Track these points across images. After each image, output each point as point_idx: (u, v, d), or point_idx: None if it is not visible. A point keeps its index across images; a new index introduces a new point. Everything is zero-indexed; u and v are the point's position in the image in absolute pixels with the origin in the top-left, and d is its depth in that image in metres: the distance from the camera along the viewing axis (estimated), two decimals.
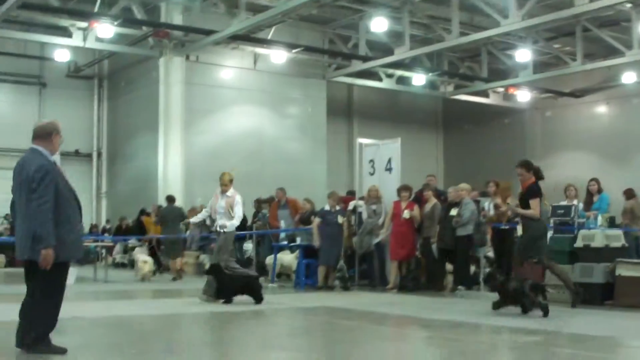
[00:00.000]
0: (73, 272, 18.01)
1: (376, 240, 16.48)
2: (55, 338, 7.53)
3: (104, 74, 34.95)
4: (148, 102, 30.12)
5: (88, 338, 9.06)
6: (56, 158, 7.85)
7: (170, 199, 22.65)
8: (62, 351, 7.50)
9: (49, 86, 33.57)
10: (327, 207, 16.85)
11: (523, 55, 29.19)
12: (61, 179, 7.64)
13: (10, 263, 26.59)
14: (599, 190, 16.47)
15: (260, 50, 30.02)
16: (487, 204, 15.73)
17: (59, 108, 32.90)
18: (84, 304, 12.82)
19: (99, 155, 34.86)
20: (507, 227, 15.14)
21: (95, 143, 34.77)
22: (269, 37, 28.96)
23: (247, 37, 28.10)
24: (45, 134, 7.72)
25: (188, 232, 24.34)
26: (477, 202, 15.84)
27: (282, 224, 19.47)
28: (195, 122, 29.61)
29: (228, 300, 12.37)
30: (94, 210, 33.94)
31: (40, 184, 7.27)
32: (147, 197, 28.04)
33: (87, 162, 34.39)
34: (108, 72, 34.87)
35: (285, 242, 19.21)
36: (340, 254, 16.61)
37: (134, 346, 8.49)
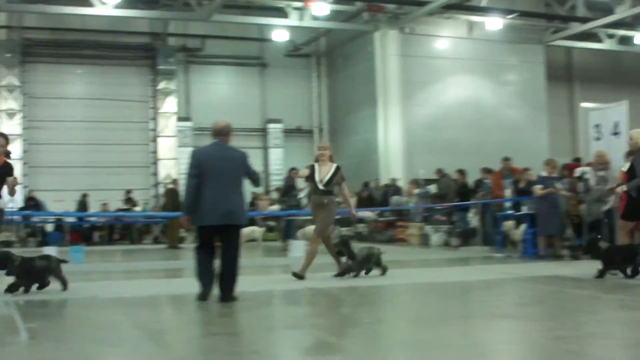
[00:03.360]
0: (301, 245, 18.76)
1: (605, 207, 15.84)
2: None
3: (322, 51, 35.37)
4: (365, 76, 30.44)
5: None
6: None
7: None
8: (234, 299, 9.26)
9: (270, 66, 34.54)
10: (543, 174, 16.39)
11: None
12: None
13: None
14: None
15: (474, 18, 29.85)
16: None
17: (279, 87, 34.35)
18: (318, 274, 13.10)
19: (320, 131, 35.32)
20: None
21: (316, 119, 35.33)
22: (483, 4, 28.63)
23: (461, 6, 28.21)
24: (226, 132, 9.73)
25: (412, 204, 24.56)
26: None
27: (507, 193, 19.18)
28: (413, 94, 29.81)
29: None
30: None
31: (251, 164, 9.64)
32: (368, 171, 28.65)
33: (308, 138, 35.08)
34: (325, 49, 35.29)
35: (510, 212, 18.90)
36: (562, 222, 16.11)
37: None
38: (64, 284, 9.86)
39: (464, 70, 30.93)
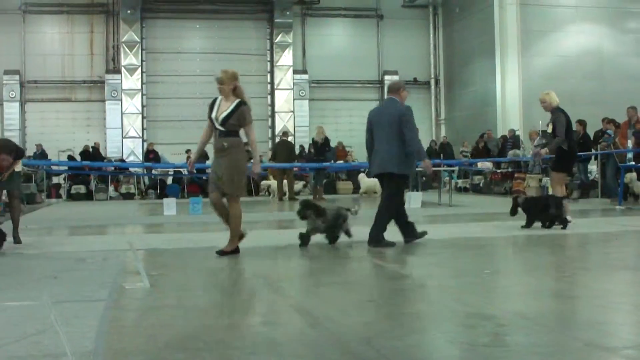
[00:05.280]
0: (419, 197, 19.17)
1: None
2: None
3: (438, 2, 35.20)
4: (483, 26, 30.18)
5: (440, 257, 9.39)
6: None
7: None
8: (392, 244, 9.84)
9: (386, 17, 34.55)
10: None
11: None
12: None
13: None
14: None
15: None
16: None
17: (395, 38, 34.37)
18: (433, 226, 13.02)
19: (437, 82, 35.28)
20: None
21: (432, 70, 35.21)
22: None
23: None
24: (396, 89, 10.28)
25: (530, 155, 23.99)
26: None
27: (629, 143, 18.63)
28: (532, 43, 29.32)
29: None
30: (433, 136, 34.40)
31: (409, 121, 9.92)
32: (485, 123, 28.50)
33: (425, 89, 34.99)
34: (442, 0, 35.14)
35: (632, 163, 18.38)
36: None
37: (491, 266, 8.76)
38: None
39: (585, 19, 30.13)
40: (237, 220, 9.13)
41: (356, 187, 27.16)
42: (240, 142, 9.14)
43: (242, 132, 9.16)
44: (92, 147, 28.95)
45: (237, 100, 9.11)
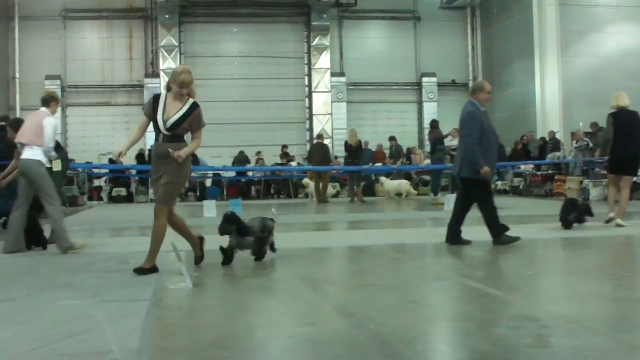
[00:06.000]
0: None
1: None
2: None
3: (476, 3, 35.11)
4: (521, 27, 30.13)
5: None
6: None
7: None
8: (516, 239, 10.02)
9: (423, 19, 34.50)
10: None
11: None
12: (485, 120, 10.19)
13: None
14: None
15: None
16: None
17: (433, 40, 34.51)
18: (475, 228, 13.14)
19: None
20: None
21: (471, 72, 35.14)
22: None
23: None
24: (473, 90, 10.59)
25: (571, 157, 24.15)
26: None
27: None
28: (572, 44, 29.17)
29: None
30: None
31: (469, 124, 10.06)
32: (525, 124, 28.51)
33: (463, 91, 34.07)
34: (480, 1, 34.99)
35: None
36: None
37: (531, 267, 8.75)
38: None
39: (626, 18, 29.84)
40: (161, 235, 8.01)
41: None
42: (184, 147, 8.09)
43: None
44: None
45: (191, 101, 8.08)
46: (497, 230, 10.19)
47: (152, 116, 7.98)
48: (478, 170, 10.11)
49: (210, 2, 33.29)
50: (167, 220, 8.06)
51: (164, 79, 30.93)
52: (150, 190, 26.69)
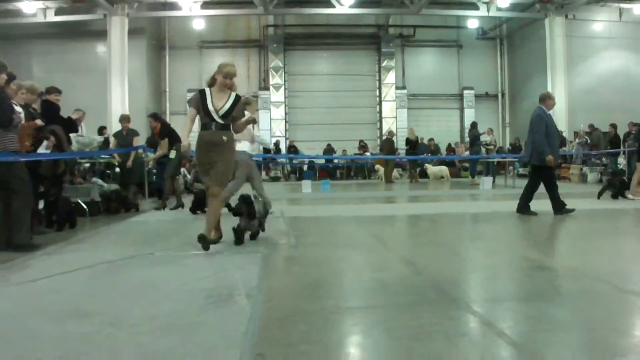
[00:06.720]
0: (489, 180, 20.85)
1: None
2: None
3: (504, 35, 37.72)
4: (537, 53, 32.48)
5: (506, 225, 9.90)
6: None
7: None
8: (572, 210, 10.66)
9: (464, 47, 37.67)
10: None
11: None
12: (550, 120, 10.94)
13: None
14: None
15: (624, 5, 31.85)
16: None
17: (471, 63, 37.51)
18: (503, 202, 13.79)
19: (503, 95, 37.69)
20: None
21: (499, 86, 37.86)
22: None
23: None
24: (541, 98, 11.13)
25: (574, 150, 26.85)
26: None
27: None
28: (575, 66, 31.75)
29: None
30: (500, 135, 36.34)
31: (537, 123, 10.74)
32: None
33: (494, 101, 37.93)
34: (507, 33, 37.54)
35: None
36: None
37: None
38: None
39: (617, 47, 32.26)
40: (218, 211, 8.02)
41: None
42: (233, 136, 8.02)
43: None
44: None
45: (235, 94, 8.00)
46: (558, 204, 10.67)
47: (200, 108, 7.82)
48: (544, 158, 10.59)
49: (307, 35, 35.66)
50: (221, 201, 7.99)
51: (272, 91, 35.14)
52: (263, 172, 28.98)
